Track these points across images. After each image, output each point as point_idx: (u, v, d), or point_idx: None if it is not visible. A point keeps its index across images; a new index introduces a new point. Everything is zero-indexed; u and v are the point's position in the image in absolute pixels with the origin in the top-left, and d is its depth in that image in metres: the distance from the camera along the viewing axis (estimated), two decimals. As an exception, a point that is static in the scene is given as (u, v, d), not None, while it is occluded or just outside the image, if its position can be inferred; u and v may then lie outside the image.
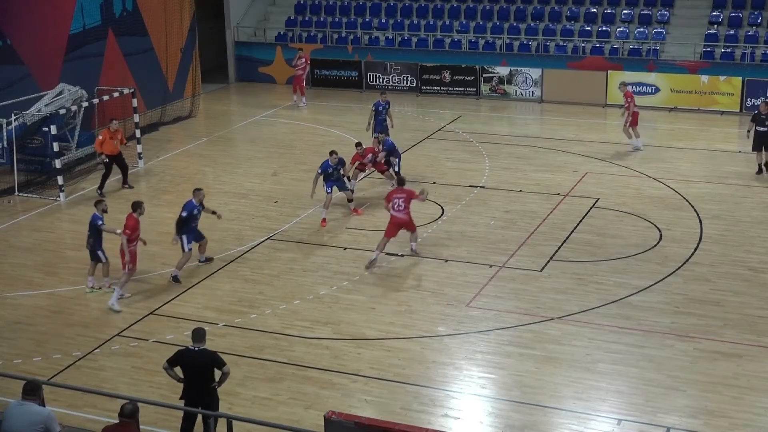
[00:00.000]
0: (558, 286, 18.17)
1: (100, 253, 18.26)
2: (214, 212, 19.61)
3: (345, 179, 22.37)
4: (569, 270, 18.88)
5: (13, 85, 26.17)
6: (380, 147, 23.36)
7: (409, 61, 35.01)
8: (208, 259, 19.71)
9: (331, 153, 21.93)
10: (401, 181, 20.01)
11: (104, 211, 18.23)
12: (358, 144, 23.23)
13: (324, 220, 21.58)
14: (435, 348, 15.98)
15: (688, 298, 17.55)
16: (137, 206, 18.07)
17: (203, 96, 34.26)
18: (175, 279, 18.73)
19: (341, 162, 22.03)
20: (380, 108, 26.30)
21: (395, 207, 19.26)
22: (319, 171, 21.71)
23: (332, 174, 21.72)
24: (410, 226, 19.60)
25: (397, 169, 23.69)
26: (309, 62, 34.13)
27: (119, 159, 24.51)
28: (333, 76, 35.98)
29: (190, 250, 18.80)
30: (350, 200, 22.47)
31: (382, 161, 23.55)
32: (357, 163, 23.34)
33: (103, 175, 24.34)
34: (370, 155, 23.20)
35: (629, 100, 26.78)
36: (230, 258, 19.85)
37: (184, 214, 18.72)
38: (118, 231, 17.83)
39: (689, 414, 13.80)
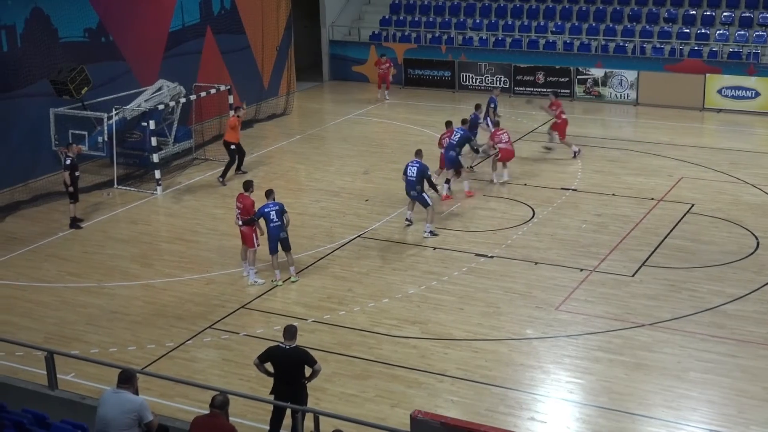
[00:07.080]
0: (649, 292, 17.90)
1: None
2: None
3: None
4: (661, 276, 18.58)
5: (114, 81, 26.87)
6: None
7: (502, 61, 34.84)
8: None
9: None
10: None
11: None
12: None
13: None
14: (523, 351, 15.90)
15: (785, 309, 17.14)
16: (249, 186, 18.99)
17: (297, 94, 34.66)
18: (432, 233, 20.81)
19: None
20: (494, 104, 27.10)
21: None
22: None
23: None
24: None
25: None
26: (391, 65, 34.35)
27: (240, 147, 25.64)
28: (426, 76, 36.03)
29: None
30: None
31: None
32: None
33: (233, 163, 25.49)
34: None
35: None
36: (320, 255, 20.04)
37: None
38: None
39: (783, 427, 13.49)
